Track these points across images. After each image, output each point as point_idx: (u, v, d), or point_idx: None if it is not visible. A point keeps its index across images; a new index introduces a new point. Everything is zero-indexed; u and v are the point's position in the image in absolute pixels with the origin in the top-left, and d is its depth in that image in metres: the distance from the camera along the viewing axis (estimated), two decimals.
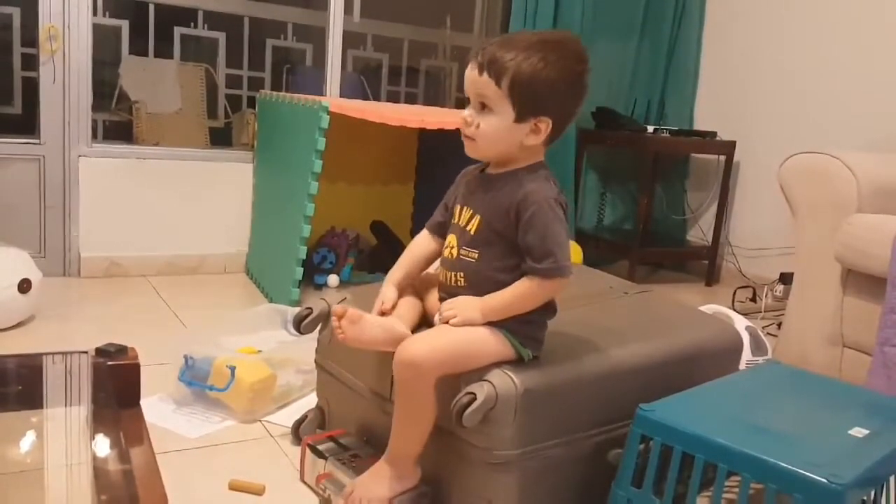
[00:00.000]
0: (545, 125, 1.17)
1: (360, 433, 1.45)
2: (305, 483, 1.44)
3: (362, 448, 1.40)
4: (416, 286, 1.35)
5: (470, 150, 1.22)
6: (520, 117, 1.16)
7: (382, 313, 1.28)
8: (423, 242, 1.36)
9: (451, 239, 1.27)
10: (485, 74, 1.15)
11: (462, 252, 1.23)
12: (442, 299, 1.27)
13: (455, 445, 1.21)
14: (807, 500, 0.98)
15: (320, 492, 1.38)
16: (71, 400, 1.20)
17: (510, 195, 1.19)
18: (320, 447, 1.40)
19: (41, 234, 2.69)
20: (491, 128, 1.17)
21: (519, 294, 1.19)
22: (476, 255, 1.22)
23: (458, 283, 1.24)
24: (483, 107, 1.17)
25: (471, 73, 1.18)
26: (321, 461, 1.38)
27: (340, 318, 1.20)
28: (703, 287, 3.45)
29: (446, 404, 1.17)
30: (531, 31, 1.21)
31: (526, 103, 1.15)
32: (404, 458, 1.24)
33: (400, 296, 1.31)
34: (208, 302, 2.62)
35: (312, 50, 3.91)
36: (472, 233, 1.23)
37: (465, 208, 1.26)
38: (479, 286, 1.21)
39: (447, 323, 1.20)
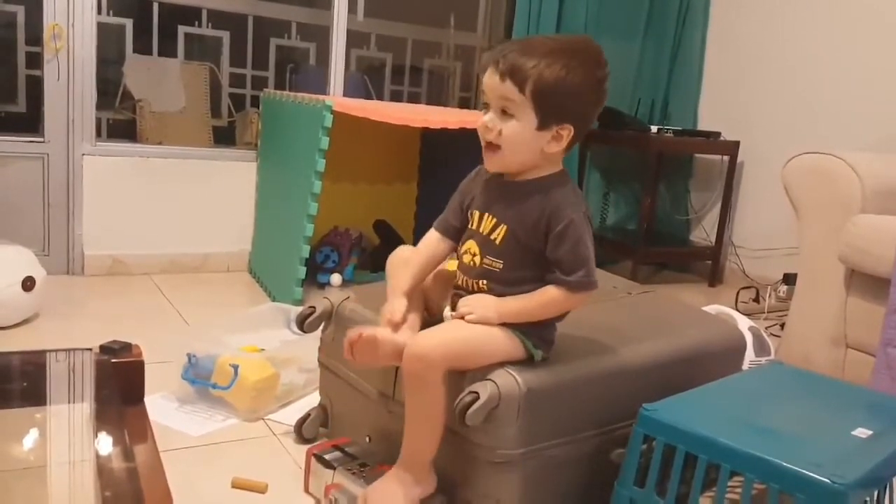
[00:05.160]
0: (567, 132, 1.17)
1: (364, 433, 1.45)
2: (310, 494, 1.41)
3: (369, 456, 1.37)
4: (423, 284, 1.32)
5: (493, 162, 1.20)
6: (543, 124, 1.15)
7: (392, 325, 1.25)
8: (432, 246, 1.32)
9: (473, 246, 1.25)
10: (507, 81, 1.13)
11: (486, 261, 1.22)
12: (456, 298, 1.26)
13: (458, 444, 1.21)
14: (810, 501, 0.98)
15: (329, 503, 1.34)
16: (74, 397, 1.20)
17: (539, 207, 1.18)
18: (327, 457, 1.37)
19: (45, 232, 2.69)
20: (514, 133, 1.15)
21: (542, 302, 1.19)
22: (501, 265, 1.21)
23: (482, 289, 1.23)
24: (504, 113, 1.16)
25: (491, 78, 1.15)
26: (329, 471, 1.34)
27: (355, 343, 1.20)
28: (707, 287, 3.45)
29: (450, 403, 1.17)
30: (550, 37, 1.20)
31: (549, 110, 1.14)
32: (418, 462, 1.23)
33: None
34: (211, 300, 2.62)
35: (316, 49, 3.90)
36: (497, 242, 1.21)
37: (487, 216, 1.24)
38: (502, 293, 1.21)
39: (462, 318, 1.19)
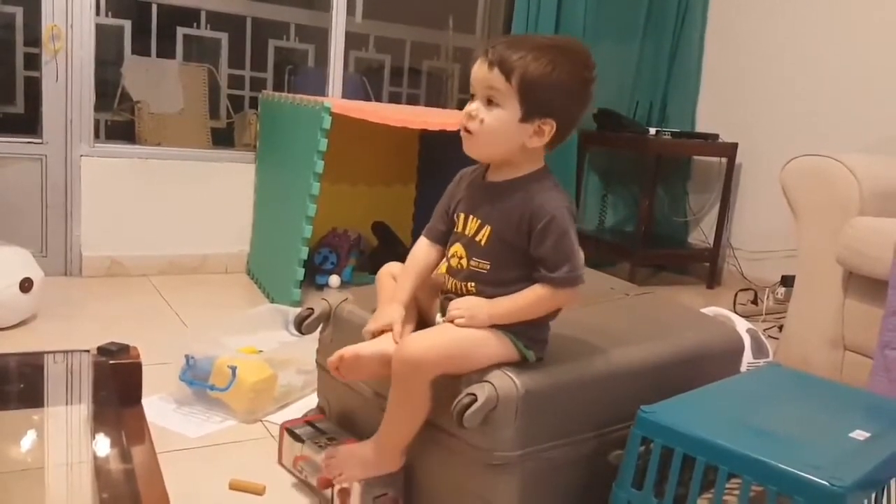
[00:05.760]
0: (549, 128, 1.17)
1: (361, 434, 1.45)
2: (283, 465, 1.48)
3: (339, 432, 1.44)
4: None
5: (468, 146, 1.20)
6: (526, 116, 1.15)
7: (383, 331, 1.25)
8: (424, 254, 1.32)
9: (459, 249, 1.25)
10: (495, 70, 1.15)
11: (473, 263, 1.22)
12: (446, 302, 1.26)
13: (455, 446, 1.21)
14: (808, 503, 0.98)
15: (297, 473, 1.42)
16: (72, 398, 1.20)
17: (521, 205, 1.18)
18: (297, 431, 1.45)
19: (43, 233, 2.69)
20: (496, 122, 1.16)
21: (531, 301, 1.18)
22: (488, 267, 1.21)
23: (470, 292, 1.23)
24: (490, 102, 1.17)
25: (479, 68, 1.17)
26: (298, 444, 1.42)
27: (339, 366, 1.23)
28: (705, 289, 3.45)
29: (447, 405, 1.16)
30: (540, 35, 1.21)
31: (533, 102, 1.15)
32: (391, 447, 1.25)
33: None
34: (210, 302, 2.62)
35: (315, 51, 3.91)
36: (482, 244, 1.21)
37: (471, 217, 1.24)
38: (491, 295, 1.21)
39: (452, 322, 1.19)
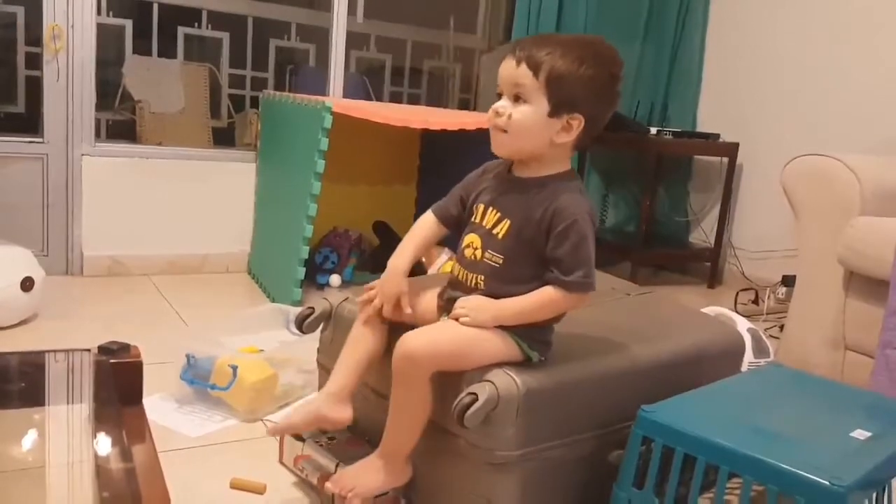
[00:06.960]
0: (577, 122, 1.17)
1: (361, 433, 1.45)
2: (283, 464, 1.48)
3: (339, 431, 1.44)
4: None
5: (498, 144, 1.20)
6: (554, 111, 1.16)
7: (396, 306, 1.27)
8: (429, 228, 1.33)
9: (474, 239, 1.25)
10: (522, 66, 1.15)
11: (487, 255, 1.22)
12: (451, 297, 1.26)
13: (456, 445, 1.21)
14: (809, 503, 0.98)
15: (298, 472, 1.43)
16: (73, 398, 1.20)
17: (544, 203, 1.18)
18: None
19: (44, 232, 2.69)
20: (524, 117, 1.16)
21: (538, 303, 1.18)
22: (501, 260, 1.21)
23: (478, 284, 1.23)
24: (517, 99, 1.17)
25: (507, 65, 1.18)
26: (299, 443, 1.42)
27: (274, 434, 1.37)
28: (706, 289, 3.45)
29: (448, 404, 1.16)
30: (568, 34, 1.22)
31: (561, 97, 1.15)
32: (396, 453, 1.25)
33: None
34: (210, 301, 2.62)
35: (316, 50, 3.91)
36: (499, 237, 1.21)
37: (491, 210, 1.24)
38: (499, 290, 1.21)
39: (456, 320, 1.19)
